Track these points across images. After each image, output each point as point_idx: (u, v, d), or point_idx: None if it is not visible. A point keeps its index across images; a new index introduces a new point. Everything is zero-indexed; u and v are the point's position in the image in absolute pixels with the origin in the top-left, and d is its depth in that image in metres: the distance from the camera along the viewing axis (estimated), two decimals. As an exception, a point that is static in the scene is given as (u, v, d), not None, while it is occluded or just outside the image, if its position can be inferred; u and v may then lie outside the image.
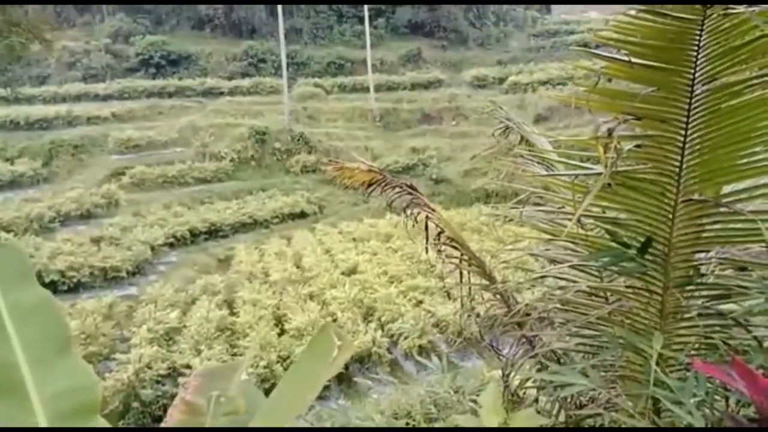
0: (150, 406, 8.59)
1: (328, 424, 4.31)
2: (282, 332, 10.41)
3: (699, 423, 1.45)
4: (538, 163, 2.59)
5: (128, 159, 23.59)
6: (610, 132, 1.71)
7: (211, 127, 25.97)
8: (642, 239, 1.93)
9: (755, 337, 1.84)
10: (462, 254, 2.64)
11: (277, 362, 9.02)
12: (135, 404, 8.59)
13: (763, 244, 1.85)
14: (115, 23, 37.47)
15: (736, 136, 1.76)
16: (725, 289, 2.00)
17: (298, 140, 26.05)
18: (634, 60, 1.70)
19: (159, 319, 10.88)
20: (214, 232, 18.94)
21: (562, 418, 2.34)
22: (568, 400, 2.32)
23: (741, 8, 1.50)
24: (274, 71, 34.31)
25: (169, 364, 9.18)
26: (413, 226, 2.62)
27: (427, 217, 2.57)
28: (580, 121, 21.37)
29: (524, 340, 2.57)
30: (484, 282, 2.65)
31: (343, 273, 13.31)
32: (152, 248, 16.38)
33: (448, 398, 3.84)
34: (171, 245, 17.46)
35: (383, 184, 2.67)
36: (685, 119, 1.76)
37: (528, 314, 2.46)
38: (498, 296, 2.65)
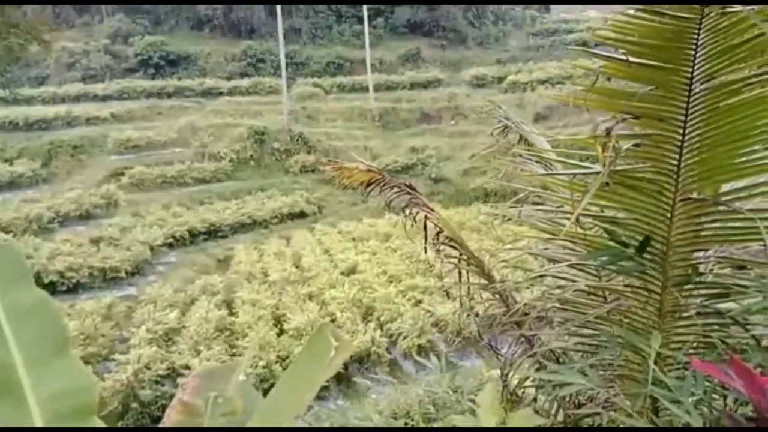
0: (149, 406, 8.59)
1: (326, 425, 4.31)
2: (281, 332, 10.41)
3: (697, 422, 1.45)
4: (537, 162, 2.59)
5: (127, 159, 23.58)
6: (608, 131, 1.71)
7: (210, 127, 25.97)
8: (640, 238, 1.93)
9: (753, 336, 1.84)
10: (461, 254, 2.64)
11: (276, 362, 9.02)
12: (134, 405, 8.59)
13: (762, 243, 1.85)
14: (114, 24, 37.44)
15: (734, 134, 1.76)
16: (724, 287, 2.00)
17: (297, 140, 26.05)
18: (632, 59, 1.70)
19: (158, 319, 10.88)
20: (213, 233, 18.94)
21: (560, 417, 2.34)
22: (567, 399, 2.32)
23: (739, 7, 1.50)
24: (273, 71, 34.30)
25: (168, 365, 9.18)
26: (412, 225, 2.62)
27: (425, 216, 2.57)
28: (579, 120, 21.39)
29: (523, 339, 2.56)
30: (483, 281, 2.65)
31: (342, 273, 13.31)
32: (151, 248, 16.38)
33: (447, 398, 3.84)
34: (170, 245, 17.45)
35: (382, 184, 2.67)
36: (683, 118, 1.76)
37: (527, 313, 2.46)
38: (497, 295, 2.65)
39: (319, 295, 12.00)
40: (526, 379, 2.52)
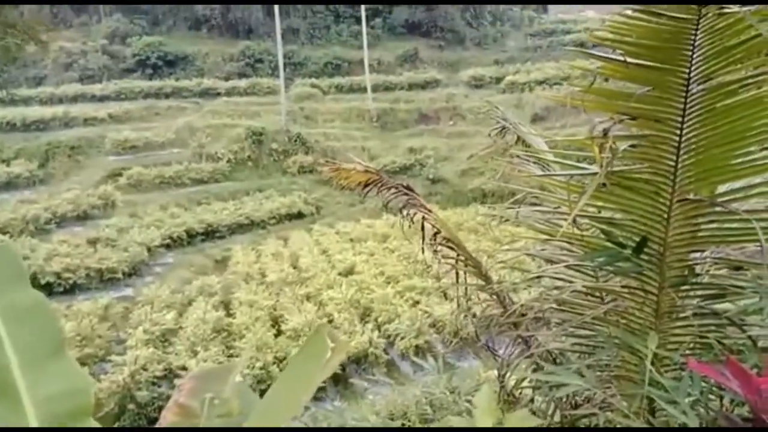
0: (146, 407, 8.57)
1: (324, 426, 4.30)
2: (278, 333, 10.39)
3: (693, 422, 1.46)
4: (535, 163, 2.60)
5: (125, 160, 23.54)
6: (605, 132, 1.71)
7: (208, 127, 25.94)
8: (637, 239, 1.93)
9: (750, 337, 1.84)
10: (458, 254, 2.64)
11: (274, 363, 9.01)
12: (131, 406, 8.57)
13: (758, 244, 1.85)
14: (111, 24, 37.38)
15: (731, 135, 1.76)
16: (720, 288, 2.01)
17: (295, 141, 26.05)
18: (629, 60, 1.70)
19: (155, 320, 10.86)
20: (210, 233, 18.91)
21: (557, 418, 2.34)
22: (564, 400, 2.32)
23: (735, 8, 1.50)
24: (271, 72, 34.28)
25: (165, 366, 9.16)
26: (410, 226, 2.62)
27: (423, 217, 2.57)
28: (576, 121, 21.43)
29: (520, 340, 2.57)
30: (481, 282, 2.66)
31: (340, 273, 13.30)
32: (149, 249, 16.34)
33: (444, 399, 3.84)
34: (167, 246, 17.42)
35: (379, 185, 2.67)
36: (680, 119, 1.77)
37: (524, 314, 2.47)
38: (494, 296, 2.65)
39: (317, 295, 11.99)
40: (523, 379, 2.53)
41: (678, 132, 1.78)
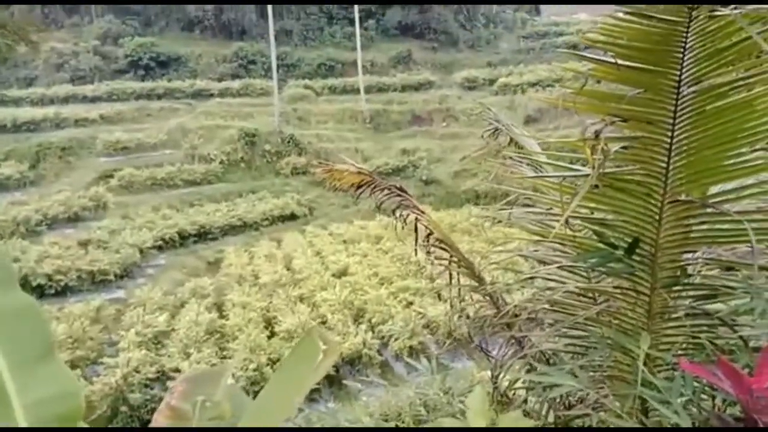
0: (138, 410, 8.53)
1: (318, 427, 4.29)
2: (272, 335, 10.37)
3: (686, 422, 1.46)
4: (527, 164, 2.60)
5: (116, 161, 23.41)
6: (597, 134, 1.72)
7: (201, 129, 25.85)
8: (629, 240, 1.94)
9: (741, 337, 1.85)
10: (451, 256, 2.65)
11: (267, 365, 8.99)
12: (123, 408, 8.53)
13: (749, 245, 1.86)
14: (103, 25, 37.18)
15: (722, 137, 1.77)
16: (712, 289, 2.02)
17: (288, 142, 26.00)
18: (621, 62, 1.71)
19: (147, 322, 10.81)
20: (203, 235, 18.84)
21: (551, 418, 2.35)
22: (557, 400, 2.33)
23: (726, 10, 1.51)
24: (264, 73, 34.22)
25: (157, 368, 9.12)
26: (403, 227, 2.62)
27: (416, 218, 2.57)
28: (569, 123, 21.52)
29: (513, 340, 2.57)
30: (474, 283, 2.66)
31: (333, 275, 13.29)
32: (141, 251, 16.26)
33: (438, 400, 3.84)
34: (160, 248, 17.34)
35: (372, 186, 2.67)
36: (671, 121, 1.77)
37: (517, 315, 2.47)
38: (487, 297, 2.66)
39: (310, 297, 11.97)
40: (517, 380, 2.53)
41: (669, 134, 1.79)
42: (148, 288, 13.25)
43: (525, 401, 2.47)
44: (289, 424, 4.52)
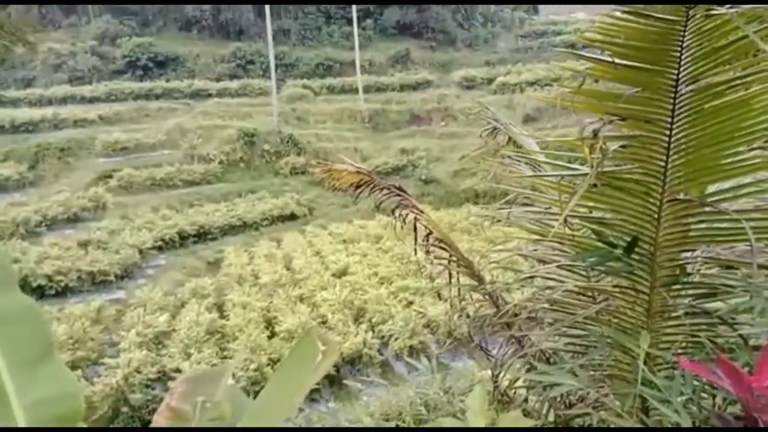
0: (139, 410, 8.54)
1: (318, 427, 4.30)
2: (272, 335, 10.37)
3: (686, 421, 1.46)
4: (526, 163, 2.61)
5: (115, 162, 23.39)
6: (595, 133, 1.72)
7: (200, 129, 25.83)
8: (628, 239, 1.94)
9: (741, 335, 1.86)
10: (450, 255, 2.65)
11: (268, 365, 8.99)
12: (124, 409, 8.53)
13: (748, 243, 1.86)
14: (101, 25, 37.13)
15: (720, 136, 1.77)
16: (711, 287, 2.02)
17: (287, 142, 25.99)
18: (618, 61, 1.71)
19: (148, 322, 10.81)
20: (203, 235, 18.83)
21: (551, 417, 2.35)
22: (558, 399, 2.33)
23: (723, 9, 1.51)
24: (262, 73, 34.19)
25: (158, 368, 9.13)
26: (402, 227, 2.62)
27: (415, 218, 2.58)
28: (567, 122, 21.53)
29: (513, 340, 2.57)
30: (474, 282, 2.66)
31: (333, 275, 13.29)
32: (140, 252, 16.25)
33: (438, 399, 3.84)
34: (159, 248, 17.33)
35: (371, 186, 2.67)
36: (669, 119, 1.78)
37: (517, 314, 2.47)
38: (487, 297, 2.66)
39: (311, 297, 11.97)
40: (517, 379, 2.53)
41: (667, 132, 1.79)
42: (149, 288, 13.25)
43: (525, 400, 2.47)
44: (290, 424, 4.52)
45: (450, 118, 29.19)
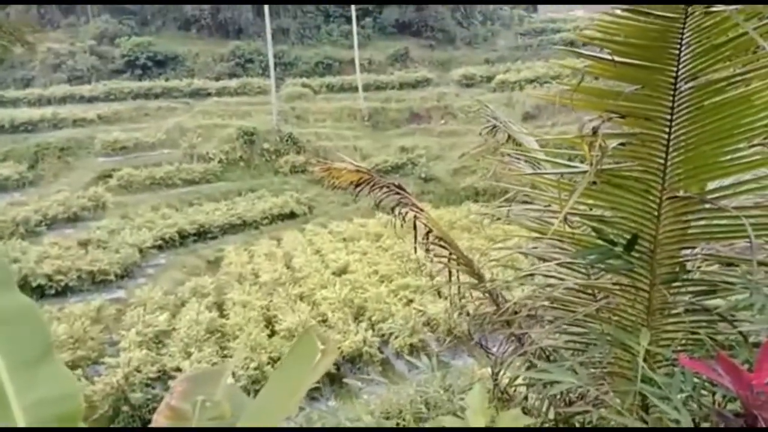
0: (140, 409, 8.54)
1: (318, 426, 4.30)
2: (272, 333, 10.38)
3: (686, 419, 1.46)
4: (525, 161, 2.60)
5: (115, 161, 23.38)
6: (595, 130, 1.72)
7: (199, 128, 25.81)
8: (628, 236, 1.94)
9: (740, 332, 1.86)
10: (450, 253, 2.65)
11: (268, 363, 9.00)
12: (125, 408, 8.54)
13: (748, 240, 1.86)
14: (100, 24, 37.10)
15: (719, 133, 1.77)
16: (711, 284, 2.02)
17: (287, 140, 25.97)
18: (617, 59, 1.71)
19: (148, 322, 10.81)
20: (203, 234, 18.83)
21: (551, 415, 2.35)
22: (557, 397, 2.33)
23: (722, 7, 1.51)
24: (261, 71, 34.16)
25: (158, 367, 9.13)
26: (402, 225, 2.62)
27: (415, 216, 2.57)
28: (567, 119, 21.52)
29: (513, 337, 2.57)
30: (474, 280, 2.66)
31: (333, 273, 13.29)
32: (140, 251, 16.25)
33: (438, 397, 3.85)
34: (159, 247, 17.33)
35: (371, 184, 2.67)
36: (669, 117, 1.77)
37: (517, 312, 2.47)
38: (487, 294, 2.66)
39: (311, 295, 11.98)
40: (517, 377, 2.53)
41: (667, 130, 1.79)
42: (149, 287, 13.25)
43: (525, 398, 2.47)
44: (290, 424, 4.53)
45: (449, 117, 29.17)
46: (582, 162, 1.92)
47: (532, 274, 2.51)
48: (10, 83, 31.31)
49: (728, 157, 1.83)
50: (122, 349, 9.78)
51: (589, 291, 2.31)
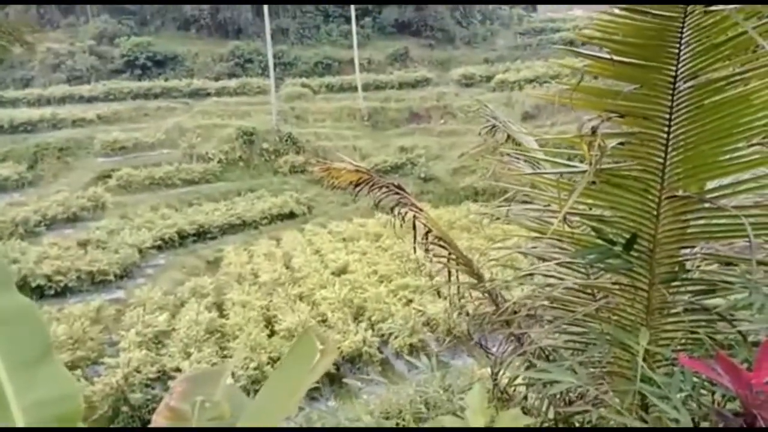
0: (139, 410, 8.54)
1: (318, 426, 4.30)
2: (272, 333, 10.38)
3: (685, 418, 1.46)
4: (525, 161, 2.60)
5: (114, 161, 23.37)
6: (594, 130, 1.72)
7: (198, 128, 25.80)
8: (627, 236, 1.94)
9: (740, 332, 1.86)
10: (450, 253, 2.65)
11: (268, 363, 9.00)
12: (124, 408, 8.53)
13: (747, 239, 1.86)
14: (99, 24, 37.08)
15: (718, 132, 1.77)
16: (710, 284, 2.02)
17: (286, 140, 25.97)
18: (617, 58, 1.71)
19: (147, 322, 10.80)
20: (202, 234, 18.82)
21: (551, 414, 2.35)
22: (557, 396, 2.33)
23: (721, 6, 1.51)
24: (260, 71, 34.16)
25: (158, 368, 9.13)
26: (401, 225, 2.62)
27: (414, 216, 2.57)
28: (566, 119, 21.52)
29: (513, 337, 2.57)
30: (473, 280, 2.66)
31: (333, 273, 13.29)
32: (140, 251, 16.25)
33: (438, 397, 3.85)
34: (159, 248, 17.32)
35: (370, 184, 2.67)
36: (668, 116, 1.77)
37: (516, 312, 2.47)
38: (486, 294, 2.66)
39: (310, 295, 11.97)
40: (517, 377, 2.53)
41: (666, 129, 1.79)
42: (148, 288, 13.24)
43: (525, 398, 2.47)
44: (290, 424, 4.53)
45: (449, 116, 29.17)
46: (581, 161, 1.92)
47: (531, 274, 2.51)
48: (9, 83, 31.30)
49: (727, 156, 1.83)
50: (122, 349, 9.78)
51: (589, 290, 2.31)
